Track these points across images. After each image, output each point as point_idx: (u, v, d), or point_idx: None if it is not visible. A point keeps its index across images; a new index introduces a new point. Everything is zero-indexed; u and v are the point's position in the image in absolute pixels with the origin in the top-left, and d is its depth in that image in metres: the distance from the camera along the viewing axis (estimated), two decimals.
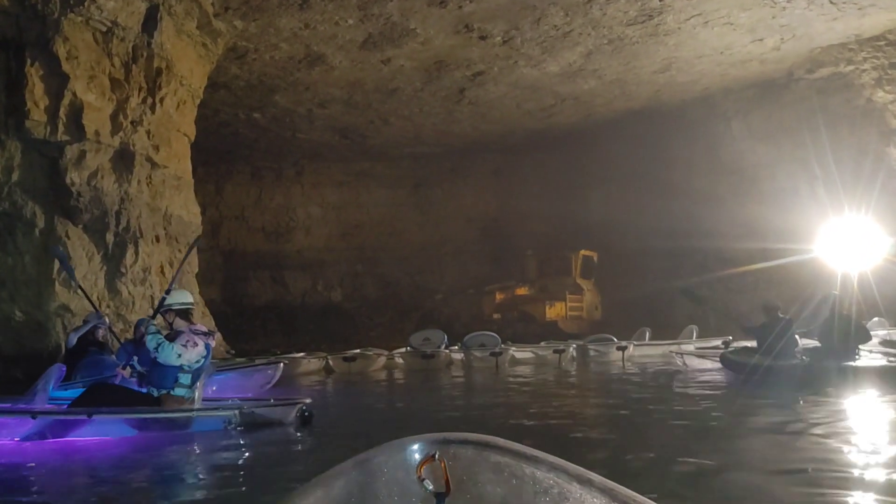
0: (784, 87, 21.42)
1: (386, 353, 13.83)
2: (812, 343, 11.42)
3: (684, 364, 12.18)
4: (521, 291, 25.78)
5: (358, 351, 14.04)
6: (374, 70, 19.71)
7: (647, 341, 15.41)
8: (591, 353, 14.46)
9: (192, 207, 16.12)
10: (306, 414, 6.34)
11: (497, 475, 1.51)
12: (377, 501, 1.49)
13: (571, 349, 14.40)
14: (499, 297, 25.67)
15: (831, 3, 16.43)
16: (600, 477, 1.47)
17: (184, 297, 6.45)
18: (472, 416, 7.34)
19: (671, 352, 13.05)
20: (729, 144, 23.16)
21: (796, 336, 10.77)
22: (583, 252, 25.86)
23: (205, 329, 6.36)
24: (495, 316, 24.66)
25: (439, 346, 13.46)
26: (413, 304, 29.41)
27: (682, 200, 24.11)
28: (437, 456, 1.48)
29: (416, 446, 1.54)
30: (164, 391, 6.07)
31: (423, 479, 1.46)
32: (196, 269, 16.32)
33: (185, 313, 6.32)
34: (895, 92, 18.94)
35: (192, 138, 16.38)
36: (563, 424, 6.67)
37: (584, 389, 10.26)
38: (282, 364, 9.97)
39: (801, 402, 7.66)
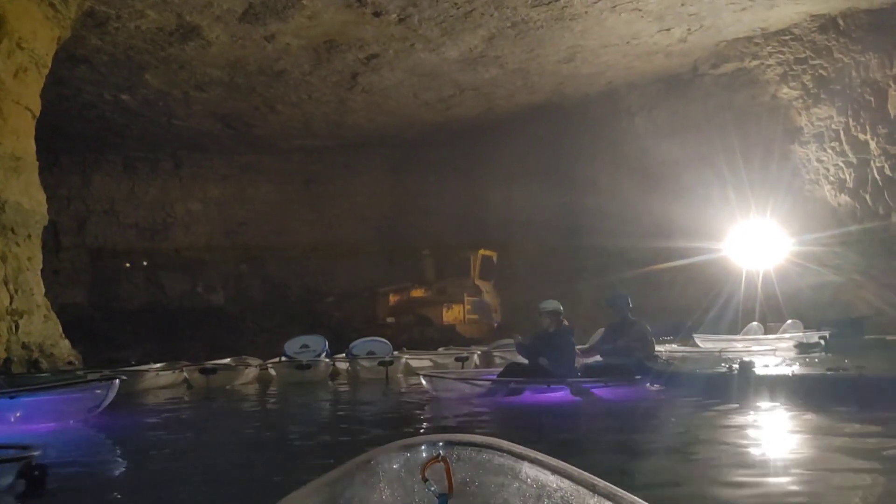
0: (689, 83, 20.81)
1: (258, 362, 11.98)
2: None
3: (432, 388, 9.00)
4: (418, 293, 24.28)
5: (227, 360, 12.14)
6: (257, 48, 17.82)
7: None
8: (497, 360, 12.95)
9: (36, 194, 13.79)
10: (36, 473, 4.21)
11: (501, 477, 1.49)
12: (380, 502, 1.46)
13: (475, 356, 12.89)
14: (393, 299, 24.09)
15: None
16: (605, 482, 1.43)
17: None
18: (326, 464, 5.25)
19: (419, 373, 10.10)
20: (633, 141, 22.42)
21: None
22: (482, 252, 24.62)
23: None
24: (389, 319, 23.08)
25: (319, 355, 11.65)
26: (303, 307, 27.45)
27: (586, 199, 23.27)
28: (440, 457, 1.45)
29: (420, 447, 1.51)
30: None
31: (427, 481, 1.43)
32: (40, 265, 13.96)
33: None
34: (800, 88, 18.50)
35: (37, 113, 14.03)
36: None
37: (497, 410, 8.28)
38: (117, 381, 7.93)
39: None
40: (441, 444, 1.50)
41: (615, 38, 18.12)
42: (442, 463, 1.45)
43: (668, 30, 17.78)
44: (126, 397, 8.33)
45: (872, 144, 17.19)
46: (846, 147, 17.82)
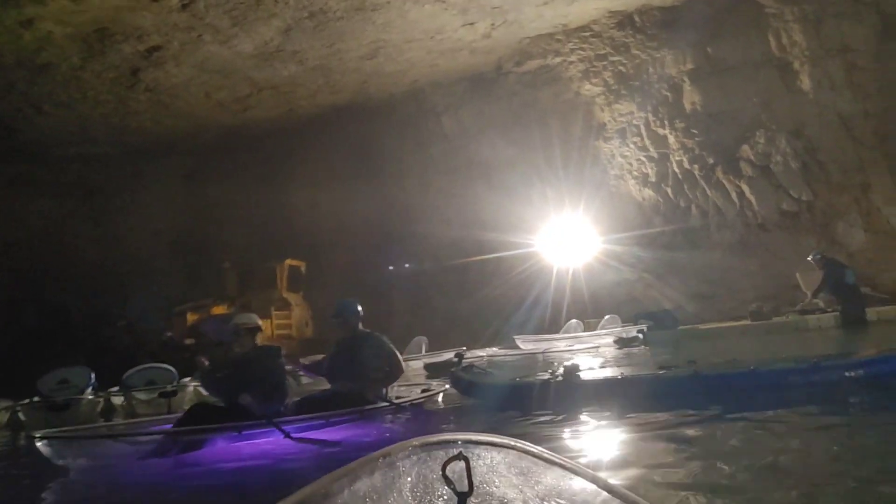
0: (493, 82, 20.57)
1: (7, 404, 9.78)
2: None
3: (56, 455, 5.17)
4: (219, 310, 22.20)
5: None
6: (13, 36, 15.36)
7: None
8: (304, 380, 11.46)
9: None
10: None
11: (520, 478, 1.51)
12: (400, 497, 1.46)
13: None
14: (191, 318, 21.88)
15: None
16: (622, 488, 1.45)
17: None
18: None
19: (33, 435, 5.71)
20: (441, 142, 21.92)
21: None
22: (289, 262, 22.98)
23: None
24: (188, 341, 20.87)
25: (83, 391, 9.62)
26: (88, 333, 24.45)
27: (396, 202, 22.48)
28: (461, 455, 1.46)
29: (441, 445, 1.52)
30: None
31: (447, 478, 1.44)
32: None
33: None
34: (602, 85, 18.71)
35: None
36: None
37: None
38: None
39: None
40: (460, 442, 1.52)
41: (419, 32, 17.41)
42: (462, 462, 1.44)
43: (472, 24, 17.33)
44: None
45: (671, 139, 17.62)
46: (647, 142, 18.20)
